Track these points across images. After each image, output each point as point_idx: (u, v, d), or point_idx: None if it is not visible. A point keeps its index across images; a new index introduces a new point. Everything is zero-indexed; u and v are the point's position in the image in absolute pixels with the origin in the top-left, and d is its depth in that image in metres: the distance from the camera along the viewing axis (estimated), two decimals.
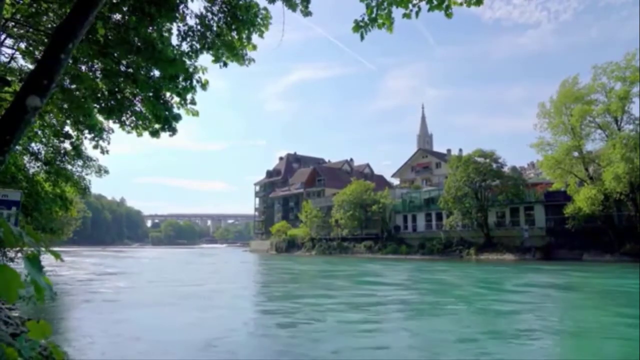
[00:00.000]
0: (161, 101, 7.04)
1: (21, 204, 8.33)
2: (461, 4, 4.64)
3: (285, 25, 5.74)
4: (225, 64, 6.72)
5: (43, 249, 1.21)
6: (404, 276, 25.59)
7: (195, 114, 7.26)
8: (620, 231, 33.81)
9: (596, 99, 35.21)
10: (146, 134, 7.50)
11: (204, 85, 6.97)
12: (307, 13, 5.79)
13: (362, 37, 4.88)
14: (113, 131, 9.85)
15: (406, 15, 4.74)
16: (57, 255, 1.26)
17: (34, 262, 1.04)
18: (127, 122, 7.62)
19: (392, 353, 7.99)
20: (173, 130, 7.29)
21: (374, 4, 4.79)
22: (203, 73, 6.97)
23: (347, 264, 37.37)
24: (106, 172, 13.84)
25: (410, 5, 4.70)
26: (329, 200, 61.16)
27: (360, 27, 4.86)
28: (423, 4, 4.67)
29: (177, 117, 7.20)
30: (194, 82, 6.87)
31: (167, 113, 7.07)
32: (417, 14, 4.72)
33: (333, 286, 20.15)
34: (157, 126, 7.34)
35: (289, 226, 68.16)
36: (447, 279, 23.16)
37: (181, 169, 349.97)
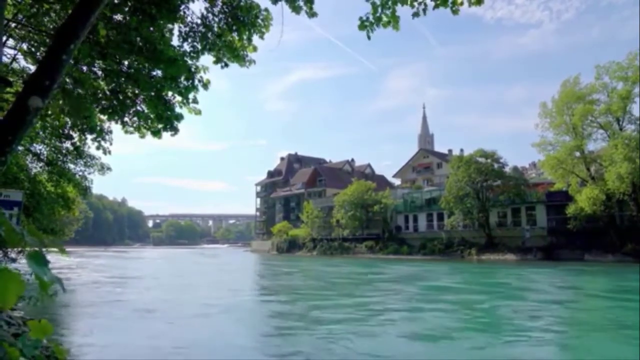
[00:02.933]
0: (163, 101, 7.04)
1: (23, 204, 8.33)
2: (461, 4, 4.62)
3: (285, 25, 5.70)
4: (226, 64, 6.72)
5: (45, 248, 1.21)
6: (454, 279, 23.32)
7: (198, 112, 7.27)
8: (622, 231, 33.76)
9: (598, 98, 35.18)
10: (148, 134, 7.51)
11: (205, 85, 6.98)
12: (312, 14, 5.60)
13: (368, 37, 4.85)
14: (112, 132, 9.84)
15: (415, 14, 4.70)
16: (62, 251, 1.26)
17: (36, 257, 1.04)
18: (129, 123, 7.62)
19: None
20: (175, 130, 7.30)
21: (378, 2, 4.77)
22: (205, 73, 6.98)
23: (365, 265, 35.67)
24: (109, 169, 13.85)
25: (415, 4, 4.68)
26: (330, 200, 61.12)
27: (365, 26, 4.84)
28: (428, 1, 4.64)
29: (179, 117, 7.20)
30: (196, 82, 6.88)
31: (169, 113, 7.07)
32: (424, 11, 4.69)
33: (394, 291, 17.81)
34: (159, 126, 7.35)
35: (290, 226, 68.14)
36: (507, 282, 21.22)
37: (182, 169, 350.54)
